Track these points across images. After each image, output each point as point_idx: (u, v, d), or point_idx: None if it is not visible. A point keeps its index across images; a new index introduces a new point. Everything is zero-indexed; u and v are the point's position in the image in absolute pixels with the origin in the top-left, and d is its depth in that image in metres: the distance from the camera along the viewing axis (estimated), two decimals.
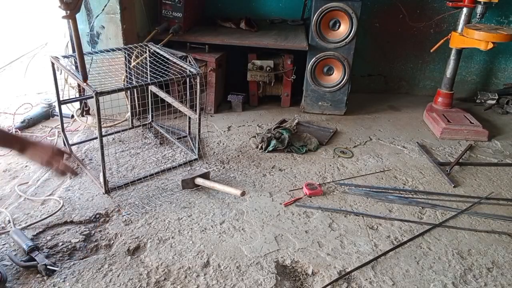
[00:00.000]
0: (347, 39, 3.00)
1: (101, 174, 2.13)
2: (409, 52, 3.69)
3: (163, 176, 2.33)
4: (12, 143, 1.70)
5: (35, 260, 1.65)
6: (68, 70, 2.20)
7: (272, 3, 3.65)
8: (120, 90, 2.04)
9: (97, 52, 2.49)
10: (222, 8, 3.65)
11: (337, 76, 3.16)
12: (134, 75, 2.56)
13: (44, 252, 1.73)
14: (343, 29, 3.01)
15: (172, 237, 1.88)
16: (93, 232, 1.89)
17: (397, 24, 3.55)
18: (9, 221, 1.91)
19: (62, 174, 1.80)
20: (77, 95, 2.90)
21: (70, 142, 2.57)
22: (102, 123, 2.05)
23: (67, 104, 2.73)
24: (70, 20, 1.99)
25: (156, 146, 2.65)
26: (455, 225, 2.06)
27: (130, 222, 1.96)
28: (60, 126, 2.51)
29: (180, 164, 2.44)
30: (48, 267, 1.63)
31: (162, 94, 2.63)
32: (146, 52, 2.54)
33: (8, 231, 1.82)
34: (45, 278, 1.62)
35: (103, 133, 2.29)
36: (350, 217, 2.08)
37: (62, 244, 1.79)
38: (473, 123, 3.04)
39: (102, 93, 1.96)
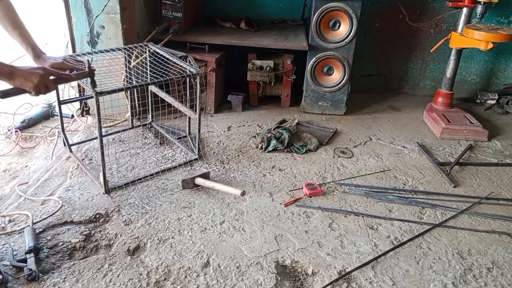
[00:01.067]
0: (347, 39, 3.00)
1: (101, 174, 2.13)
2: (409, 52, 3.69)
3: (163, 176, 2.33)
4: (0, 68, 1.60)
5: (26, 262, 1.63)
6: None
7: (272, 3, 3.65)
8: (120, 90, 2.04)
9: (97, 52, 2.49)
10: (222, 8, 3.65)
11: (337, 76, 3.16)
12: (134, 75, 2.56)
13: (44, 252, 1.73)
14: (343, 29, 3.01)
15: (172, 237, 1.88)
16: (93, 232, 1.88)
17: (397, 24, 3.54)
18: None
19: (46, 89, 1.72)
20: (77, 95, 2.90)
21: (70, 142, 2.57)
22: (102, 123, 2.05)
23: (67, 104, 2.73)
24: None
25: (156, 146, 2.65)
26: (455, 225, 2.06)
27: (130, 222, 1.96)
28: (60, 126, 2.50)
29: (180, 164, 2.44)
30: (31, 272, 1.58)
31: (162, 94, 2.63)
32: (146, 52, 2.54)
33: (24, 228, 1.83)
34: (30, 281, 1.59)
35: (103, 133, 2.28)
36: (350, 217, 2.08)
37: (62, 244, 1.79)
38: (473, 123, 3.04)
39: (102, 93, 1.96)
